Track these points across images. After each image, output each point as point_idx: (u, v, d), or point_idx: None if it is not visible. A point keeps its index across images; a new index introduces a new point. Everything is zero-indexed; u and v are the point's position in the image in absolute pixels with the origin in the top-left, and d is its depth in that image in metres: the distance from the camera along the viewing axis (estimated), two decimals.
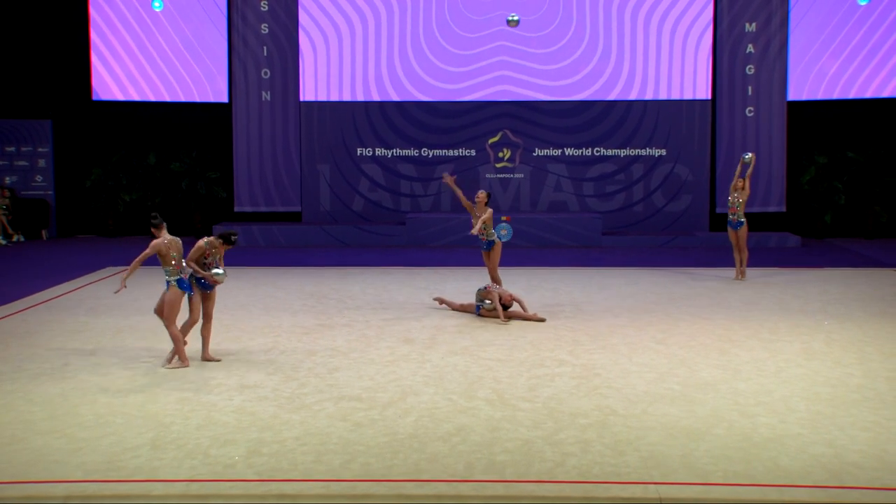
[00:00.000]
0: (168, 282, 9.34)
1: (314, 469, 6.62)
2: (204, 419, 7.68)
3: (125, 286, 9.42)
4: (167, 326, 9.35)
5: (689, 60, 19.43)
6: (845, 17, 19.24)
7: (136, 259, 9.29)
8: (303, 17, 19.74)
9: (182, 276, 9.35)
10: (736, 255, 14.55)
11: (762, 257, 17.13)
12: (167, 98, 20.10)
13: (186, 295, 9.41)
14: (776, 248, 18.62)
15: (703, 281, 14.50)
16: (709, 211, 19.62)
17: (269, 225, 19.57)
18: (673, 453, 6.86)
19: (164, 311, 9.29)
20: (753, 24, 19.26)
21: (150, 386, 8.67)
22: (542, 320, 11.47)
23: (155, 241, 9.30)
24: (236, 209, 19.98)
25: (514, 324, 11.40)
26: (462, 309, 12.12)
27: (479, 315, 11.76)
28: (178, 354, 9.35)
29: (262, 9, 19.69)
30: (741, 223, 14.38)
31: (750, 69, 19.33)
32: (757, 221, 19.64)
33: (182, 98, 20.08)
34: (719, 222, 19.72)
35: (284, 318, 11.79)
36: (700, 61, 19.42)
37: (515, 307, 11.67)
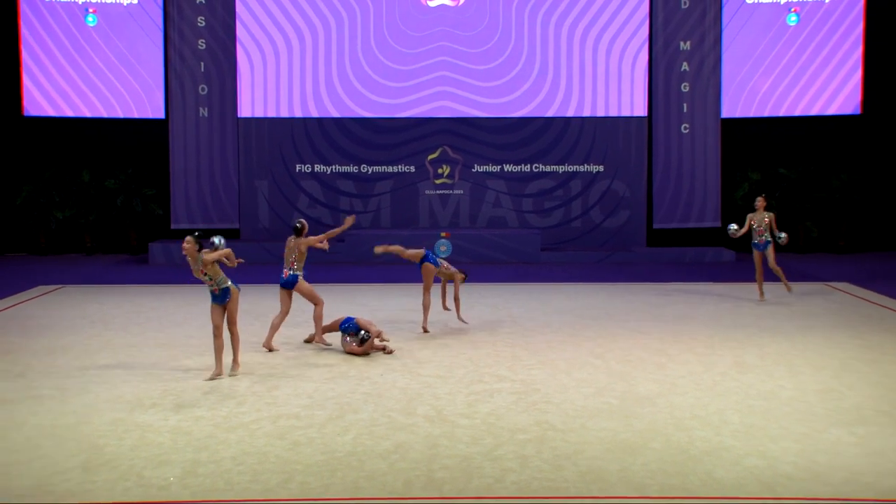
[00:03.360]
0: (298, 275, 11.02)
1: (251, 489, 6.56)
2: (138, 440, 7.56)
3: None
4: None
5: (626, 78, 19.71)
6: (776, 36, 19.71)
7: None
8: (241, 33, 19.62)
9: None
10: (758, 277, 14.18)
11: (698, 272, 17.41)
12: (102, 114, 19.80)
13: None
14: (711, 262, 18.93)
15: (640, 296, 14.68)
16: (646, 226, 19.87)
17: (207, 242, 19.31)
18: (611, 468, 6.93)
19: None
20: (688, 43, 19.61)
21: (82, 407, 8.51)
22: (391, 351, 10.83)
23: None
24: (173, 226, 19.73)
25: (455, 339, 11.41)
26: (327, 329, 11.19)
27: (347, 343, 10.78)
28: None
29: (199, 24, 19.53)
30: (767, 244, 14.01)
31: (685, 87, 19.68)
32: (692, 237, 19.96)
33: (117, 114, 19.79)
34: (656, 238, 20.00)
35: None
36: (636, 79, 19.70)
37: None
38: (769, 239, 14.03)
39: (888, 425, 7.89)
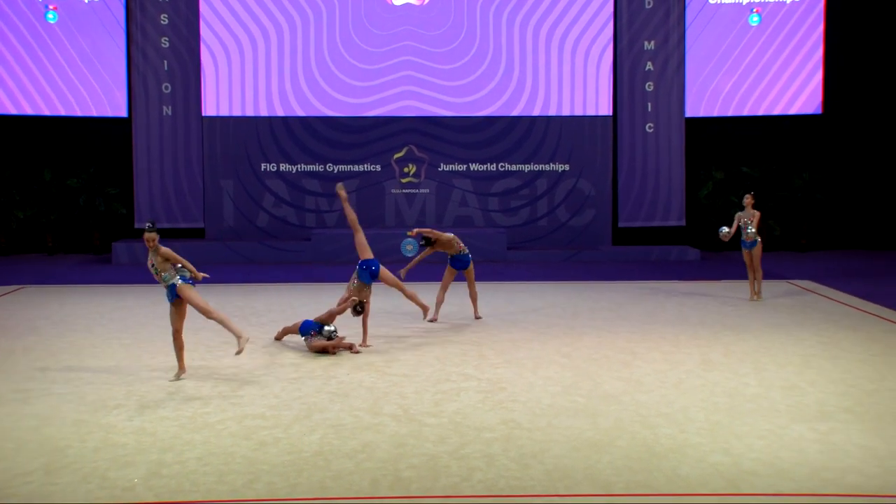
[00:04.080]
0: None
1: (216, 489, 6.51)
2: (101, 441, 7.48)
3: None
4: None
5: (591, 77, 19.80)
6: (738, 36, 19.89)
7: None
8: (204, 31, 19.48)
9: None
10: (750, 276, 14.16)
11: (663, 270, 17.53)
12: (63, 112, 19.57)
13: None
14: (676, 261, 19.07)
15: (606, 294, 14.74)
16: (611, 225, 19.97)
17: (171, 241, 19.02)
18: (577, 465, 6.95)
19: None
20: (652, 42, 19.74)
21: (44, 409, 8.40)
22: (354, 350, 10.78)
23: None
24: (137, 226, 19.54)
25: (421, 338, 11.41)
26: (288, 332, 11.19)
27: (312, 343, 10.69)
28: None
29: (162, 22, 19.35)
30: (755, 243, 13.99)
31: (649, 86, 19.81)
32: (657, 235, 20.10)
33: (79, 112, 19.57)
34: (622, 236, 20.11)
35: (186, 336, 11.50)
36: (601, 78, 19.80)
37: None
38: (757, 238, 14.05)
39: (849, 421, 8.00)
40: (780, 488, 6.54)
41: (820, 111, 20.07)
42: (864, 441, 7.48)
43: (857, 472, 6.83)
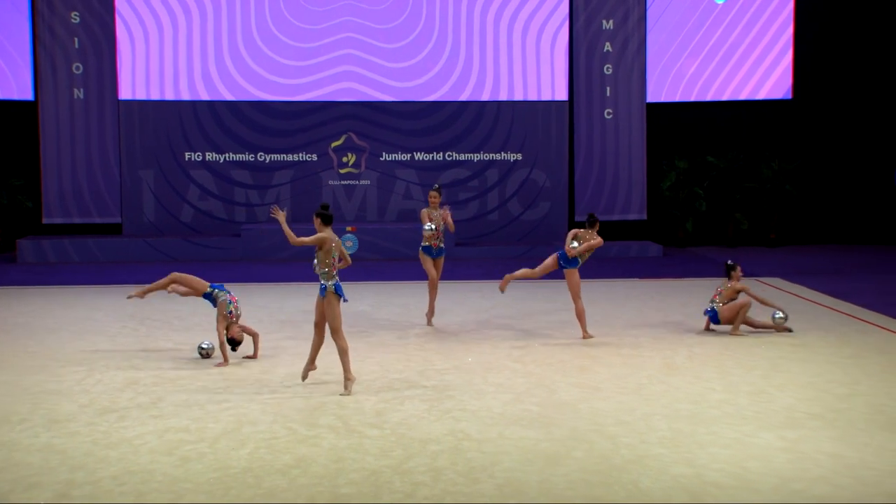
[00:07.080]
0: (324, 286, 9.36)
1: None
2: (3, 460, 7.38)
3: None
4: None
5: (545, 59, 19.92)
6: (703, 15, 20.15)
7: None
8: (120, 4, 19.23)
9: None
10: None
11: (623, 268, 17.71)
12: None
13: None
14: (637, 257, 19.28)
15: (562, 294, 14.81)
16: (568, 219, 20.12)
17: (84, 238, 18.96)
18: (530, 479, 7.01)
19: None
20: (611, 21, 19.91)
21: None
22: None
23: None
24: (45, 221, 19.29)
25: (361, 342, 11.40)
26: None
27: None
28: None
29: None
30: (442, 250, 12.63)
31: (608, 69, 19.99)
32: (617, 230, 20.29)
33: None
34: None
35: (101, 342, 11.45)
36: (556, 60, 19.92)
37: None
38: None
39: (819, 428, 8.16)
40: (745, 500, 6.66)
41: (790, 96, 20.42)
42: (834, 449, 7.64)
43: (827, 482, 6.97)
